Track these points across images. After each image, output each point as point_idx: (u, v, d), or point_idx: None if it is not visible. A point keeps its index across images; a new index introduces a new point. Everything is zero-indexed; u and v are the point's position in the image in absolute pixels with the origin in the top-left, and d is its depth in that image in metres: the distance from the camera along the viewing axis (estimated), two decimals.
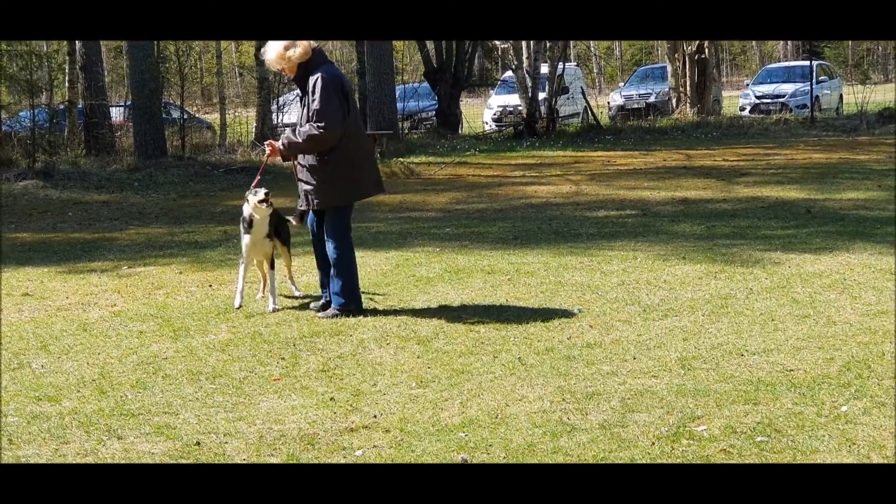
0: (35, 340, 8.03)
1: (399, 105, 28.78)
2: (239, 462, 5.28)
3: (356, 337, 7.74)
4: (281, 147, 8.40)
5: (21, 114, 25.87)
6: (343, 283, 8.46)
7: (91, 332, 8.23)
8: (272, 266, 8.94)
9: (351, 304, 8.49)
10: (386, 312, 8.54)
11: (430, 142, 27.32)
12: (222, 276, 10.60)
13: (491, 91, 36.45)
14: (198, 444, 5.55)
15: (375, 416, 5.93)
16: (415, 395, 6.32)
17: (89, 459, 5.33)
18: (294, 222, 9.26)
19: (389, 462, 5.21)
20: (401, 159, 23.41)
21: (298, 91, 8.45)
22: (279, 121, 27.13)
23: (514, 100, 31.32)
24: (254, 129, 26.87)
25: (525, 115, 29.30)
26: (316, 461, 5.24)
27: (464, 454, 5.25)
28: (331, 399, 6.29)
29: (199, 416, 6.05)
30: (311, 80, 8.15)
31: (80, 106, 25.31)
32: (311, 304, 8.89)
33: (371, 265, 10.84)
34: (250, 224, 8.76)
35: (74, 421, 5.98)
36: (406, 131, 29.33)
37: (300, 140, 8.19)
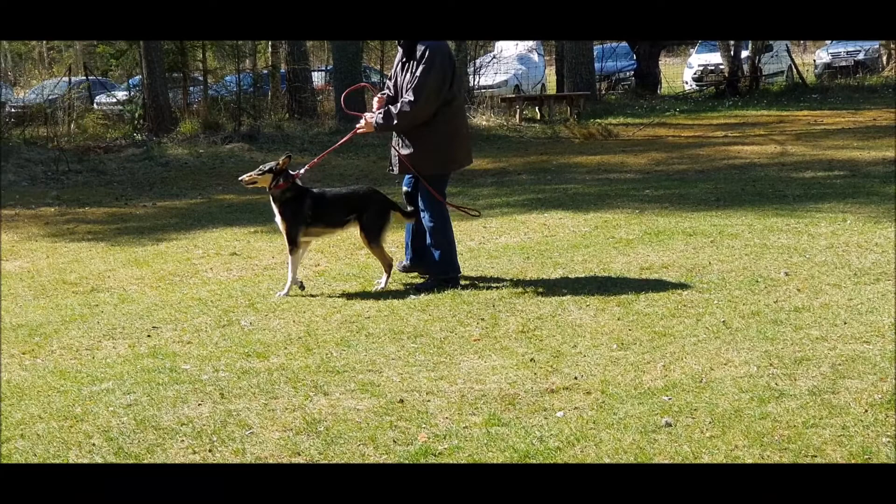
0: (243, 298, 8.27)
1: (597, 65, 28.50)
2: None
3: (555, 298, 7.70)
4: (375, 124, 8.31)
5: (227, 78, 26.66)
6: (442, 253, 8.36)
7: (296, 290, 8.41)
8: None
9: (451, 272, 8.37)
10: (586, 274, 8.48)
11: (629, 102, 27.01)
12: None
13: (691, 50, 35.81)
14: (401, 401, 5.62)
15: (576, 378, 5.90)
16: (616, 358, 6.26)
17: (297, 414, 5.46)
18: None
19: (583, 424, 5.17)
20: (598, 120, 23.21)
21: (403, 57, 8.27)
22: (475, 83, 27.18)
23: (715, 58, 30.67)
24: None
25: (727, 74, 28.66)
26: (517, 421, 5.24)
27: (667, 418, 5.17)
28: (531, 360, 6.28)
29: (401, 374, 6.13)
30: (420, 48, 8.05)
31: (282, 70, 25.88)
32: (398, 264, 8.85)
33: (569, 227, 10.79)
34: None
35: (282, 377, 6.13)
36: (604, 92, 29.06)
37: (395, 118, 8.11)
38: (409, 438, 5.10)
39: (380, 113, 8.23)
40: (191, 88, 25.97)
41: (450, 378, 6.02)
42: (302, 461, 4.89)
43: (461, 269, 8.52)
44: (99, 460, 4.94)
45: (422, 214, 8.47)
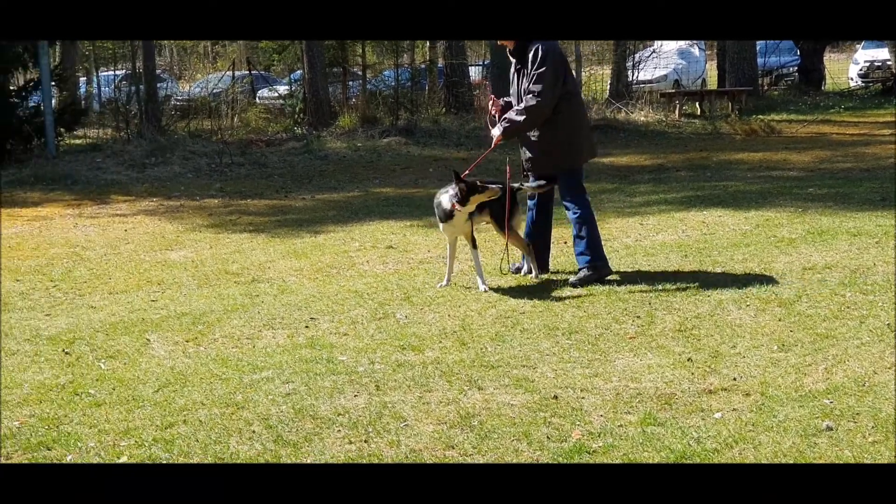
0: (398, 292, 8.34)
1: (759, 60, 27.95)
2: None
3: (714, 297, 7.57)
4: (500, 132, 8.42)
5: (385, 73, 26.93)
6: (587, 242, 8.35)
7: (451, 284, 8.45)
8: (475, 245, 8.51)
9: (597, 261, 8.36)
10: (746, 273, 8.31)
11: (792, 98, 26.43)
12: None
13: (857, 45, 34.79)
14: (555, 398, 5.59)
15: (735, 379, 5.79)
16: (776, 359, 6.12)
17: (451, 408, 5.47)
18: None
19: (742, 426, 5.07)
20: (760, 116, 22.78)
21: (517, 63, 8.40)
22: (634, 77, 26.92)
23: (882, 54, 29.79)
24: (608, 87, 26.79)
25: (894, 71, 27.76)
26: (673, 421, 5.17)
27: (829, 422, 5.03)
28: (688, 359, 6.18)
29: (556, 370, 6.10)
30: (531, 50, 8.17)
31: (440, 65, 26.04)
32: (506, 266, 8.89)
33: (729, 225, 10.60)
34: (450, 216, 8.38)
35: (437, 370, 6.16)
36: (766, 88, 28.48)
37: (518, 117, 8.23)
38: (562, 435, 5.07)
39: (504, 121, 8.37)
40: (350, 83, 26.33)
41: (605, 375, 5.97)
42: (455, 455, 4.91)
43: (611, 266, 8.48)
44: (259, 448, 5.04)
45: (565, 209, 8.54)
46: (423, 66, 26.77)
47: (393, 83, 25.09)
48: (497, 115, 8.66)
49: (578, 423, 5.23)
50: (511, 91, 8.62)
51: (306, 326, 7.40)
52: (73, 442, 5.20)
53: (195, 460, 4.93)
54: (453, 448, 4.98)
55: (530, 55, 8.19)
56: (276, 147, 20.63)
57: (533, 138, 8.42)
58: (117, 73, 27.75)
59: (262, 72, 31.65)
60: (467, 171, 8.51)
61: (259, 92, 28.98)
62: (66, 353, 6.91)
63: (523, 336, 6.87)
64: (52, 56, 23.77)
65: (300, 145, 20.42)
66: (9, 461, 5.01)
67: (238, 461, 4.90)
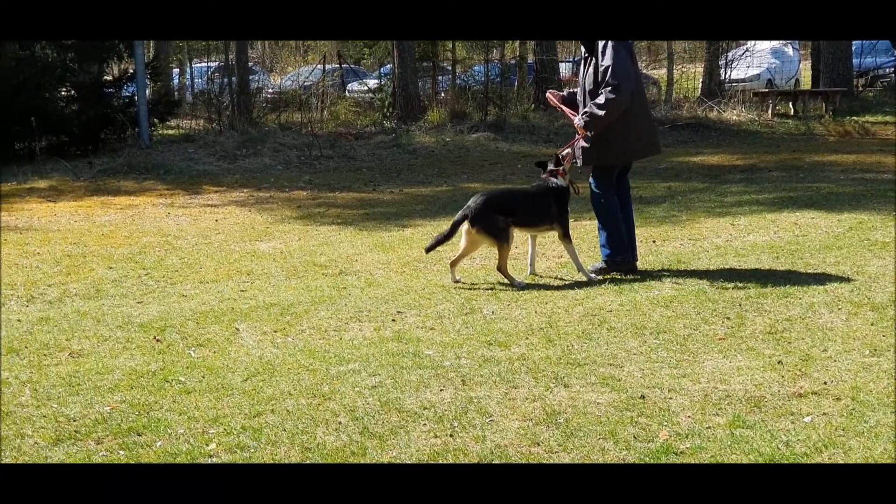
0: (485, 287, 8.34)
1: (855, 61, 27.47)
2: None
3: (805, 300, 7.46)
4: (582, 124, 8.41)
5: (475, 68, 26.94)
6: (609, 235, 8.55)
7: (539, 280, 8.43)
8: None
9: (618, 255, 8.53)
10: (838, 276, 8.17)
11: (887, 100, 25.91)
12: (666, 232, 10.58)
13: None
14: (642, 397, 5.55)
15: (825, 383, 5.69)
16: (868, 364, 6.01)
17: (537, 405, 5.46)
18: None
19: (832, 431, 4.98)
20: (854, 118, 22.40)
21: (585, 53, 8.50)
22: (726, 76, 26.62)
23: None
24: (700, 85, 26.52)
25: None
26: (762, 424, 5.10)
27: None
28: (778, 362, 6.10)
29: (643, 370, 6.05)
30: (600, 42, 8.22)
31: (530, 61, 25.97)
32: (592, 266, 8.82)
33: (822, 227, 10.44)
34: None
35: (523, 366, 6.14)
36: (861, 89, 27.97)
37: (599, 111, 8.24)
38: (650, 435, 5.03)
39: (584, 114, 8.39)
40: (439, 78, 26.38)
41: (693, 376, 5.91)
42: (541, 452, 4.89)
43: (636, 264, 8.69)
44: (345, 439, 5.07)
45: (592, 199, 8.73)
46: (512, 61, 26.72)
47: (482, 78, 25.08)
48: (559, 108, 8.84)
49: (666, 423, 5.19)
50: (579, 81, 8.69)
51: (393, 320, 7.43)
52: (162, 428, 5.28)
53: (282, 450, 4.97)
54: (539, 445, 4.96)
55: (600, 46, 8.22)
56: (365, 140, 20.76)
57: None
58: (210, 64, 28.10)
59: (353, 65, 31.84)
60: (566, 149, 8.78)
61: (349, 85, 29.17)
62: (157, 340, 7.01)
63: (610, 334, 6.83)
64: (147, 48, 24.13)
65: (389, 139, 20.52)
66: (100, 445, 5.10)
67: (324, 452, 4.93)
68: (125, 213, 13.49)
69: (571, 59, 29.10)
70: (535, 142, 20.38)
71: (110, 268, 9.72)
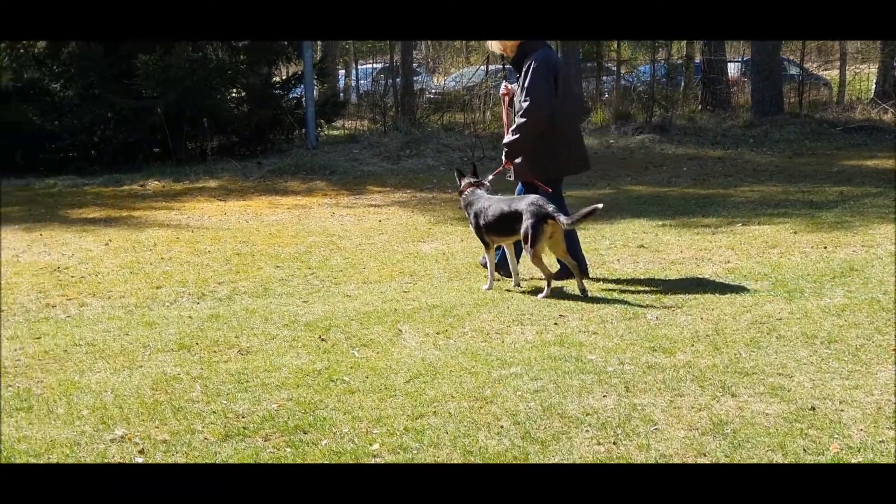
0: (649, 291, 8.23)
1: None
2: (844, 436, 5.06)
3: None
4: (505, 155, 8.89)
5: (641, 69, 26.68)
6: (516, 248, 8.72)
7: (704, 286, 8.28)
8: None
9: (561, 274, 8.70)
10: None
11: None
12: (838, 238, 10.27)
13: None
14: (812, 409, 5.38)
15: None
16: None
17: (703, 414, 5.35)
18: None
19: None
20: None
21: (515, 73, 8.87)
22: None
23: None
24: (874, 87, 25.74)
25: None
26: None
27: None
28: None
29: (813, 380, 5.87)
30: (527, 63, 8.51)
31: (697, 61, 25.60)
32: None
33: None
34: None
35: (688, 374, 6.03)
36: None
37: (516, 136, 8.65)
38: (820, 448, 4.87)
39: (504, 146, 8.91)
40: (604, 78, 26.19)
41: (865, 388, 5.71)
42: (707, 462, 4.79)
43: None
44: (507, 443, 5.04)
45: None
46: (679, 61, 26.38)
47: (648, 79, 24.81)
48: (508, 100, 9.08)
49: (837, 436, 5.02)
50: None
51: (555, 323, 7.38)
52: (328, 427, 5.33)
53: (444, 452, 4.97)
54: (705, 455, 4.85)
55: (524, 68, 8.53)
56: None
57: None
58: (375, 66, 28.46)
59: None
60: (491, 177, 9.37)
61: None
62: (323, 339, 7.10)
63: (779, 343, 6.65)
64: (314, 50, 24.56)
65: None
66: (267, 442, 5.18)
67: (486, 456, 4.91)
68: (292, 212, 13.74)
69: (740, 59, 28.59)
70: (701, 144, 20.06)
71: (277, 266, 9.91)
